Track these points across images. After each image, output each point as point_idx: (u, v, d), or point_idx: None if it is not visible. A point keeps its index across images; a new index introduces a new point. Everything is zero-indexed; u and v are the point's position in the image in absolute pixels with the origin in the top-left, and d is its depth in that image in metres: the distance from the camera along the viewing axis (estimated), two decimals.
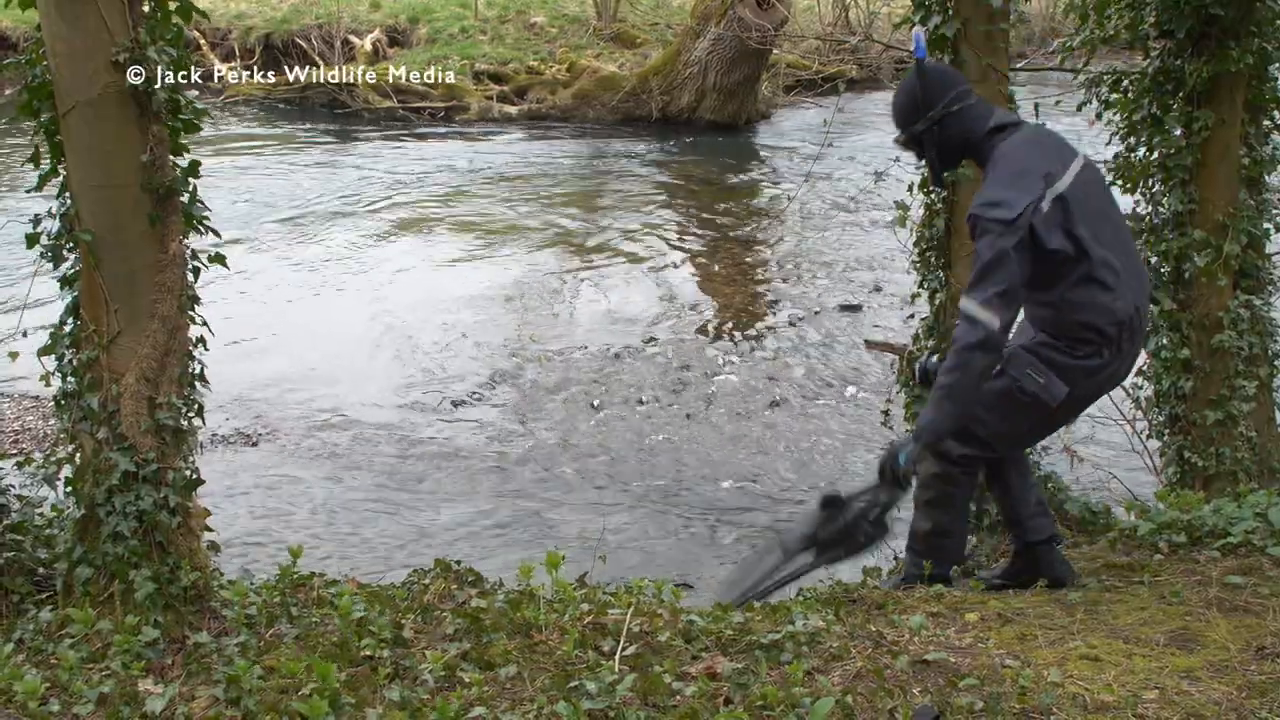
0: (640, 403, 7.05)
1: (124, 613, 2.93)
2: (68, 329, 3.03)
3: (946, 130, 3.51)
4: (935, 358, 4.01)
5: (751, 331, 8.33)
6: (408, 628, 3.04)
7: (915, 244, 4.48)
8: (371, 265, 9.78)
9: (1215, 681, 2.73)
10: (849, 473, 6.08)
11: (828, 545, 3.62)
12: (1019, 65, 7.05)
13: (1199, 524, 3.76)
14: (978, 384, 3.36)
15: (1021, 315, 3.54)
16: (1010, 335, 3.49)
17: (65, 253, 3.02)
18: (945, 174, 3.67)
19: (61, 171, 2.98)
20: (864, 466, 6.07)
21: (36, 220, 3.01)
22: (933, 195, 4.36)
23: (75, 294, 3.02)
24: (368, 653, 2.88)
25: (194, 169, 3.06)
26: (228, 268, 3.27)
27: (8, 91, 16.48)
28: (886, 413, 4.70)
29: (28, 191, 3.14)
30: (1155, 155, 4.73)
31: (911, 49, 3.56)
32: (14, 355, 3.28)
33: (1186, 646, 2.95)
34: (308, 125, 15.83)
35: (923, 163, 3.73)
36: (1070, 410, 3.59)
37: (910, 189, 4.48)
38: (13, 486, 3.44)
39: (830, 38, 17.42)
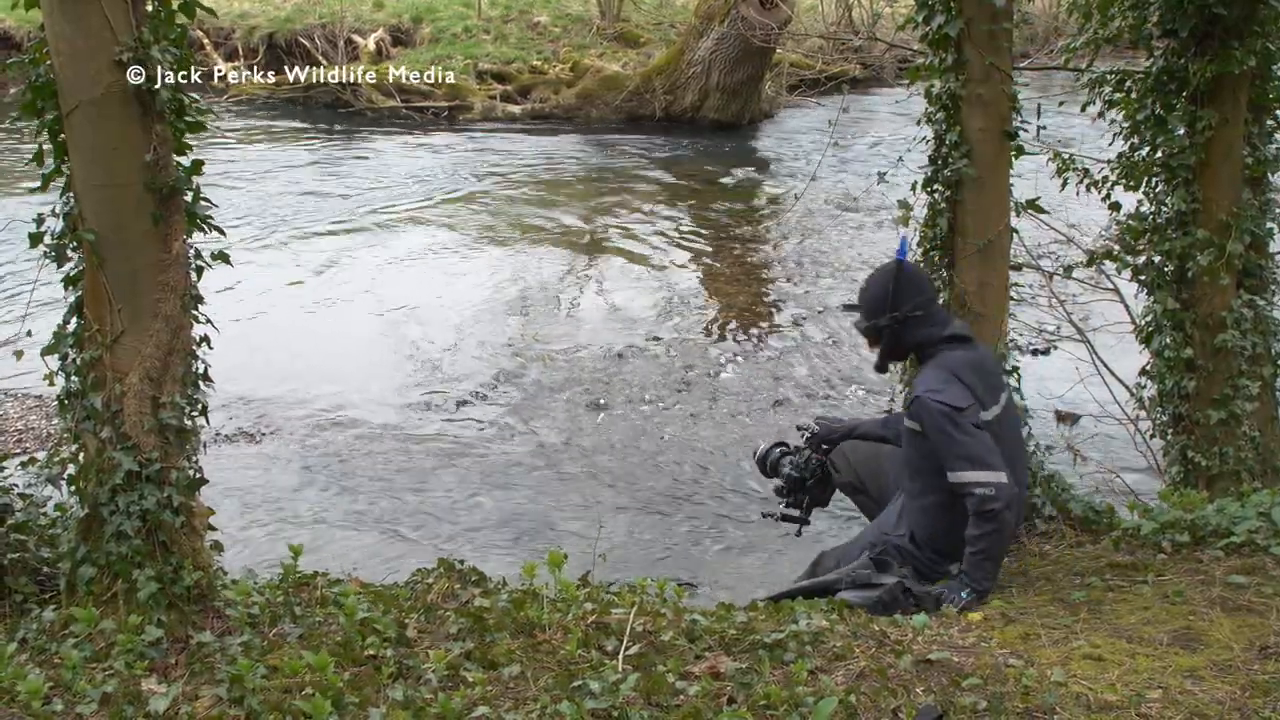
0: (644, 402, 7.05)
1: (127, 612, 2.93)
2: (71, 328, 3.03)
3: (905, 330, 3.82)
4: (778, 450, 4.30)
5: (755, 331, 8.33)
6: (411, 627, 3.04)
7: (919, 243, 4.48)
8: (374, 264, 9.78)
9: (1219, 681, 2.73)
10: None
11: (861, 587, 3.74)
12: (1022, 65, 7.05)
13: (1202, 523, 3.76)
14: (1005, 543, 3.63)
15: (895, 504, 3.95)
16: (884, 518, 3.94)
17: (69, 252, 3.02)
18: (889, 364, 4.01)
19: (65, 171, 2.99)
20: None
21: (40, 220, 3.01)
22: (936, 194, 4.35)
23: (79, 293, 3.03)
24: (371, 652, 2.88)
25: (197, 168, 3.06)
26: (231, 264, 3.28)
27: (12, 91, 16.49)
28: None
29: (31, 191, 3.14)
30: (1158, 154, 4.72)
31: (898, 247, 3.85)
32: (19, 354, 3.28)
33: (1190, 646, 2.95)
34: (311, 125, 15.83)
35: (874, 350, 4.00)
36: None
37: (913, 188, 4.47)
38: (16, 486, 3.45)
39: (833, 37, 17.41)
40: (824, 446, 4.25)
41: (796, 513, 4.25)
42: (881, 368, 4.02)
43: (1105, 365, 5.78)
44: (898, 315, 3.79)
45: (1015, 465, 3.74)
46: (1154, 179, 4.78)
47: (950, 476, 3.60)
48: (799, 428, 4.32)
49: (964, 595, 3.51)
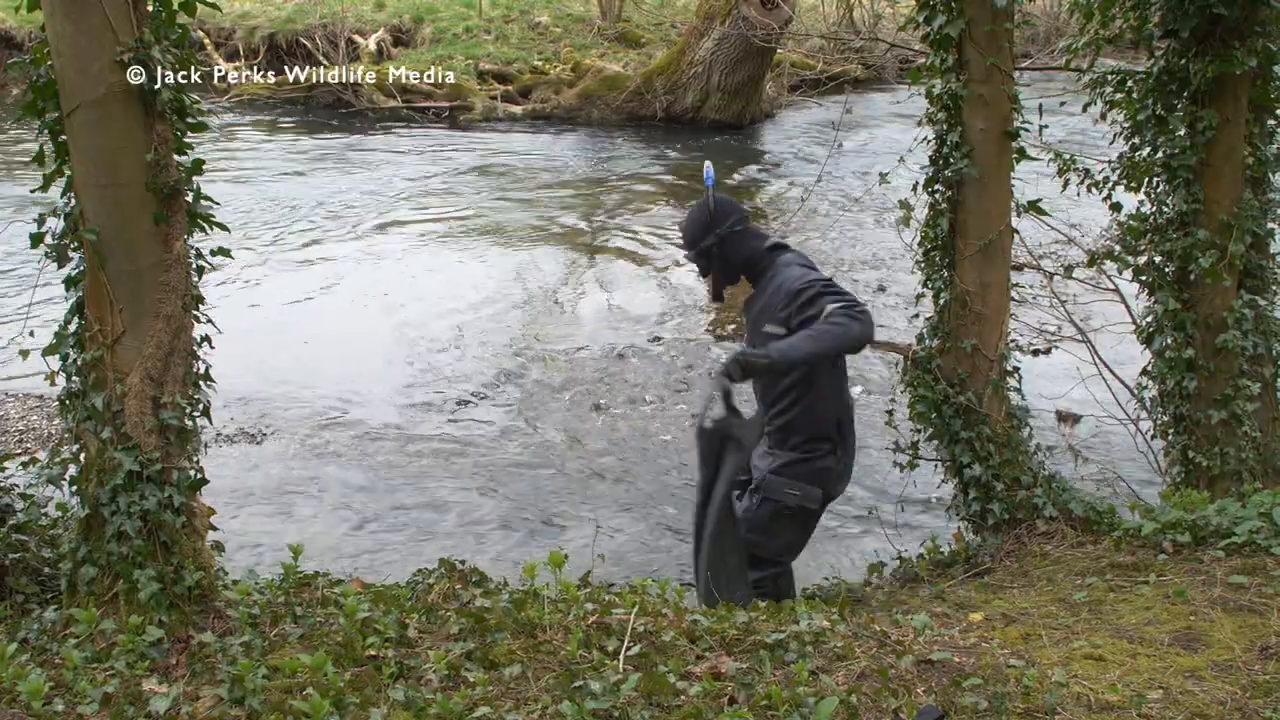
0: (645, 402, 7.05)
1: (128, 612, 2.93)
2: (72, 328, 3.03)
3: (729, 246, 4.03)
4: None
5: None
6: (412, 627, 3.04)
7: (920, 243, 4.48)
8: (376, 265, 9.78)
9: (1220, 681, 2.73)
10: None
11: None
12: (1024, 65, 7.05)
13: (1203, 524, 3.76)
14: (841, 346, 3.68)
15: (762, 445, 4.02)
16: (755, 460, 4.04)
17: (70, 252, 3.02)
18: (724, 289, 4.20)
19: (67, 171, 2.99)
20: (862, 470, 6.07)
21: (41, 220, 3.01)
22: (937, 195, 4.36)
23: (80, 294, 3.03)
24: (372, 652, 2.88)
25: (198, 168, 3.06)
26: (232, 257, 3.28)
27: (14, 92, 16.50)
28: (890, 413, 4.71)
29: (33, 191, 3.14)
30: (1160, 155, 4.72)
31: (705, 175, 4.03)
32: (25, 354, 3.29)
33: (1191, 646, 2.95)
34: (312, 125, 15.84)
35: (707, 280, 4.22)
36: (824, 507, 4.07)
37: (914, 188, 4.48)
38: (18, 486, 3.45)
39: (835, 37, 17.43)
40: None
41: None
42: (717, 295, 4.21)
43: (1106, 365, 5.78)
44: (720, 232, 3.99)
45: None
46: (1155, 179, 4.78)
47: (824, 308, 3.65)
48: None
49: (761, 350, 3.58)
